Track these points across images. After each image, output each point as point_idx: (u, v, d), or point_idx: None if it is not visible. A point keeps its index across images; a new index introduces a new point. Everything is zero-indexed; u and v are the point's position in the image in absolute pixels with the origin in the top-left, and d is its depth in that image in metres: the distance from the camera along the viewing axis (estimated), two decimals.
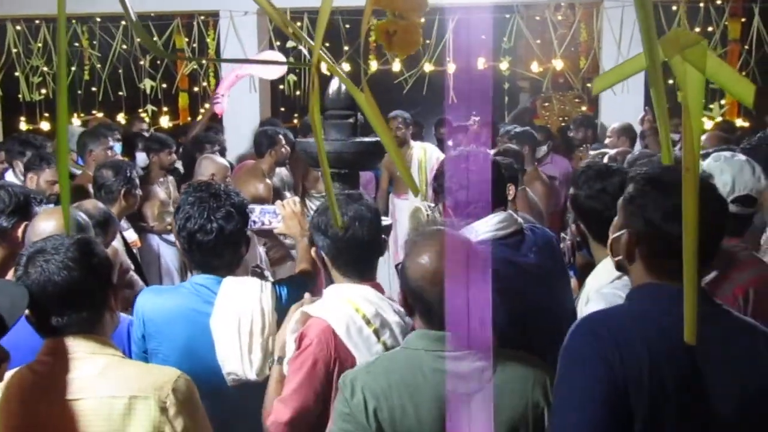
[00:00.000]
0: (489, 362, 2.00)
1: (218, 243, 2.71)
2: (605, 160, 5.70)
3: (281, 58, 7.55)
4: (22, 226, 2.99)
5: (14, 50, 9.02)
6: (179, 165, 6.94)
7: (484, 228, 2.68)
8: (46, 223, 2.82)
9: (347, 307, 2.48)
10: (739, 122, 8.26)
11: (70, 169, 5.95)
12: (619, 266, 1.98)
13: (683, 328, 1.72)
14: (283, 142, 6.30)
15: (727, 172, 3.30)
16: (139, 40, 8.90)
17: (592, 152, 6.54)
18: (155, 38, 8.76)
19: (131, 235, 4.91)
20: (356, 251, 2.56)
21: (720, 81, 0.82)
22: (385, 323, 2.46)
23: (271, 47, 8.25)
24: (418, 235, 2.12)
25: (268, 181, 6.14)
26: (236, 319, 2.66)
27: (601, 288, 2.57)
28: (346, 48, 8.25)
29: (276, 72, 7.59)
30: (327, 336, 2.43)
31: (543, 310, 2.64)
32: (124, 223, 4.85)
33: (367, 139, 3.39)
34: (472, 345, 2.00)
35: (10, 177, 5.64)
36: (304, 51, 7.98)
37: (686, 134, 0.79)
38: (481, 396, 1.97)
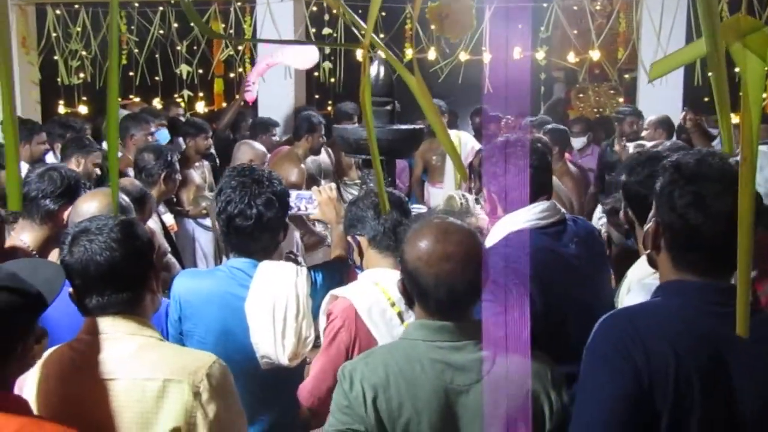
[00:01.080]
0: (489, 353, 1.97)
1: (256, 228, 2.73)
2: None
3: (315, 49, 7.55)
4: (69, 209, 3.03)
5: (53, 34, 9.12)
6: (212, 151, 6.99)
7: (526, 216, 2.65)
8: (88, 205, 2.85)
9: (374, 289, 2.57)
10: None
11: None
12: (650, 260, 1.96)
13: (709, 323, 1.71)
14: (322, 131, 6.31)
15: (767, 168, 3.26)
16: (176, 25, 8.97)
17: (629, 144, 6.46)
18: (192, 24, 8.82)
19: (169, 219, 4.96)
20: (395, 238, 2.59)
21: None
22: None
23: (307, 34, 8.25)
24: (417, 223, 2.10)
25: (302, 166, 6.16)
26: (271, 304, 2.68)
27: (644, 278, 2.56)
28: (381, 36, 8.22)
29: (308, 62, 7.60)
30: (350, 315, 2.53)
31: (582, 302, 2.61)
32: (161, 207, 4.90)
33: (404, 127, 3.39)
34: (475, 335, 1.98)
35: (50, 159, 5.72)
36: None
37: (744, 124, 0.78)
38: (481, 388, 1.94)
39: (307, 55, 7.37)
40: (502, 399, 1.95)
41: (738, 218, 0.79)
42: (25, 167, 4.85)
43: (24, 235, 3.13)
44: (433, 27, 0.88)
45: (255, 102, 8.19)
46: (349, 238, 2.78)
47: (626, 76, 11.00)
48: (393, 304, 2.50)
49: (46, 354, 2.17)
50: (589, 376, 1.78)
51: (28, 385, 2.15)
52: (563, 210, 2.79)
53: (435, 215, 2.12)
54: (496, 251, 2.55)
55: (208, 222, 5.91)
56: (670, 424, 1.68)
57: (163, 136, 6.16)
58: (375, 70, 3.30)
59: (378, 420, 1.92)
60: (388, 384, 1.93)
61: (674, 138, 7.03)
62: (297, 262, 3.14)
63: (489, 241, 2.69)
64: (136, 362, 2.06)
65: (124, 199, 3.03)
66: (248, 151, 5.57)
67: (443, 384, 1.93)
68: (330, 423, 2.00)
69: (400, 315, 2.50)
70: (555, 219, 2.70)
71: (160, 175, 4.46)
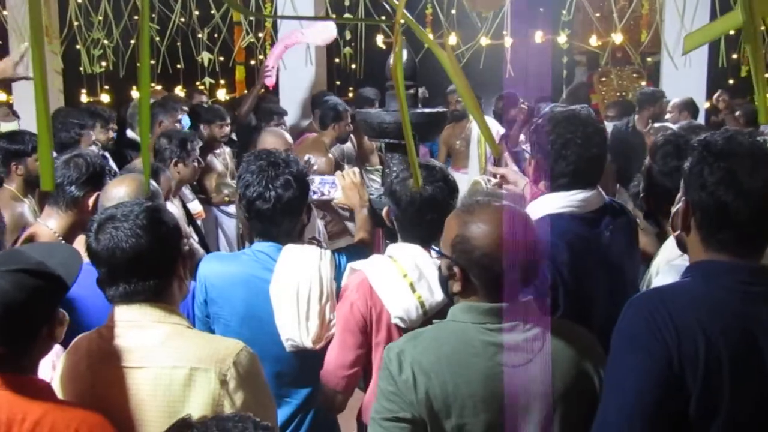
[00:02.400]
0: (540, 331, 1.96)
1: (276, 211, 2.74)
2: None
3: (333, 26, 7.51)
4: (94, 196, 3.05)
5: (75, 23, 9.15)
6: (234, 137, 7.01)
7: (564, 203, 2.59)
8: (117, 189, 2.87)
9: (386, 261, 2.58)
10: None
11: (132, 136, 6.08)
12: (679, 242, 1.94)
13: (740, 304, 1.69)
14: (349, 119, 6.31)
15: None
16: (197, 12, 8.97)
17: (656, 125, 6.41)
18: (213, 11, 8.83)
19: (196, 206, 4.98)
20: (423, 224, 2.59)
21: None
22: (422, 276, 2.50)
23: (328, 17, 8.23)
24: (470, 205, 2.05)
25: (330, 155, 6.16)
26: (295, 286, 2.69)
27: (673, 260, 2.54)
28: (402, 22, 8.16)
29: (325, 39, 7.55)
30: (364, 286, 2.55)
31: (612, 290, 2.58)
32: (189, 194, 4.93)
33: (427, 110, 3.38)
34: (524, 316, 1.96)
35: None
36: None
37: None
38: (534, 367, 1.93)
39: (325, 32, 7.32)
40: (556, 377, 1.94)
41: None
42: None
43: (50, 222, 3.16)
44: (465, 2, 0.88)
45: (276, 88, 8.19)
46: (384, 213, 2.79)
47: (649, 59, 10.91)
48: (405, 275, 2.51)
49: (75, 340, 2.19)
50: (619, 357, 1.76)
51: (57, 371, 2.17)
52: (605, 197, 2.72)
53: (482, 199, 2.07)
54: None
55: (231, 209, 5.94)
56: (700, 405, 1.66)
57: (185, 122, 6.19)
58: (398, 47, 3.29)
59: (429, 407, 1.89)
60: (441, 367, 1.91)
61: (701, 120, 6.99)
62: (321, 246, 3.15)
63: None
64: (163, 350, 2.06)
65: (153, 184, 3.05)
66: (273, 139, 5.58)
67: (496, 365, 1.91)
68: (376, 410, 1.96)
69: (411, 286, 2.50)
70: (595, 207, 2.64)
71: (172, 160, 4.49)
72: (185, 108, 6.36)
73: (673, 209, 1.91)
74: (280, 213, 2.76)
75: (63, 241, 3.06)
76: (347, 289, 2.62)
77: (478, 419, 1.91)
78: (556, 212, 2.56)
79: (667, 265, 2.53)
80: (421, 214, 2.59)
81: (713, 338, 1.67)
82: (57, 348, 2.19)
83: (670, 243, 2.61)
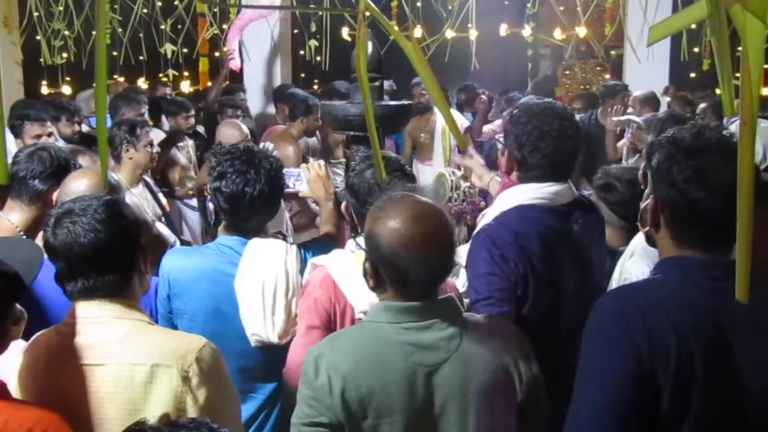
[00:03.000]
0: (457, 330, 1.95)
1: (258, 206, 2.73)
2: (634, 127, 5.66)
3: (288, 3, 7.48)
4: (58, 190, 3.00)
5: (36, 14, 9.00)
6: (201, 129, 6.95)
7: (536, 194, 2.57)
8: (77, 183, 2.82)
9: (349, 256, 2.56)
10: (766, 92, 8.14)
11: (87, 131, 5.98)
12: (648, 239, 1.93)
13: (710, 299, 1.70)
14: (318, 114, 6.28)
15: (758, 141, 3.26)
16: (160, 3, 8.87)
17: (622, 118, 6.46)
18: (176, 2, 8.73)
19: (162, 199, 4.94)
20: None
21: None
22: None
23: (293, 5, 8.18)
24: (384, 200, 2.03)
25: (298, 146, 6.13)
26: (260, 281, 2.67)
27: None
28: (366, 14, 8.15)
29: (269, 12, 7.48)
30: (327, 282, 2.52)
31: (581, 284, 2.58)
32: (154, 187, 4.89)
33: (393, 103, 3.37)
34: (441, 314, 1.96)
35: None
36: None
37: (745, 87, 0.77)
38: (450, 365, 1.92)
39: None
40: (472, 375, 1.93)
41: (738, 182, 0.78)
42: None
43: (12, 216, 3.10)
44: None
45: (241, 79, 8.14)
46: (343, 208, 2.78)
47: (612, 52, 10.99)
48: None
49: (34, 337, 2.14)
50: (590, 355, 1.75)
51: (12, 370, 2.12)
52: (575, 191, 2.72)
53: (396, 194, 2.04)
54: (503, 224, 2.52)
55: (194, 202, 5.89)
56: (672, 401, 1.66)
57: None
58: (361, 36, 3.28)
59: (346, 409, 1.88)
60: (356, 370, 1.89)
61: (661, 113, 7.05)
62: (286, 240, 3.13)
63: (494, 210, 2.66)
64: (124, 347, 2.02)
65: (113, 177, 3.00)
66: (230, 130, 5.55)
67: (412, 365, 1.90)
68: (296, 414, 1.95)
69: None
70: (566, 201, 2.63)
71: (122, 146, 4.44)
72: (145, 100, 6.29)
73: (642, 205, 1.90)
74: (257, 207, 2.74)
75: (24, 236, 3.00)
76: (309, 284, 2.59)
77: (395, 419, 1.90)
78: (527, 203, 2.55)
79: (643, 249, 2.53)
80: None
81: (684, 334, 1.66)
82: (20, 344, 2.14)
83: None
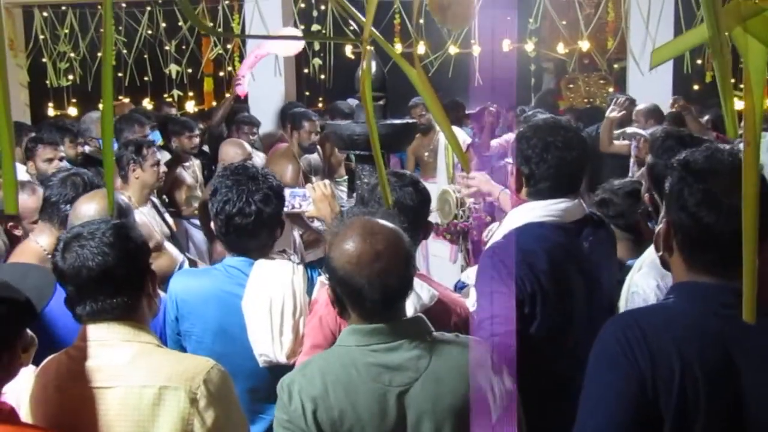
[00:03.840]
0: (426, 349, 1.96)
1: (256, 226, 2.73)
2: (641, 141, 5.66)
3: (299, 33, 7.54)
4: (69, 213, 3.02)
5: (41, 36, 9.08)
6: (206, 149, 6.98)
7: (545, 212, 2.57)
8: (87, 206, 2.83)
9: None
10: None
11: (92, 151, 6.00)
12: (663, 263, 1.90)
13: (719, 326, 1.67)
14: (307, 127, 6.30)
15: (765, 153, 3.27)
16: (164, 25, 8.94)
17: (628, 130, 6.47)
18: (180, 23, 8.80)
19: (168, 219, 4.95)
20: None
21: None
22: None
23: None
24: (339, 224, 2.06)
25: (299, 164, 6.16)
26: (268, 301, 2.67)
27: (657, 259, 2.56)
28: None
29: (294, 47, 7.58)
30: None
31: (590, 302, 2.58)
32: (161, 207, 4.91)
33: (397, 122, 3.38)
34: (408, 334, 1.97)
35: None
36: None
37: (747, 109, 0.78)
38: (421, 385, 1.92)
39: (293, 42, 7.35)
40: (445, 393, 1.94)
41: (743, 202, 0.79)
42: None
43: (41, 239, 3.12)
44: (435, 18, 0.87)
45: (246, 99, 8.18)
46: None
47: (615, 65, 11.02)
48: None
49: (44, 362, 2.15)
50: (593, 378, 1.74)
51: (22, 394, 2.12)
52: (586, 208, 2.71)
53: (353, 216, 2.09)
54: (512, 242, 2.51)
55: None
56: (674, 427, 1.64)
57: (155, 137, 6.15)
58: (366, 64, 3.30)
59: (320, 431, 1.89)
60: (327, 394, 1.91)
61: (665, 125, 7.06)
62: (291, 259, 3.14)
63: (504, 228, 2.66)
64: (132, 369, 2.03)
65: (123, 199, 3.02)
66: (233, 149, 5.58)
67: (382, 387, 1.91)
68: (276, 428, 1.97)
69: None
70: (576, 218, 2.63)
71: (129, 166, 4.46)
72: (154, 124, 6.32)
73: (656, 229, 1.89)
74: (259, 227, 2.75)
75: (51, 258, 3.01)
76: (317, 303, 2.60)
77: None
78: (536, 221, 2.55)
79: (652, 262, 2.53)
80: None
81: (689, 361, 1.64)
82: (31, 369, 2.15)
83: None
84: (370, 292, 1.93)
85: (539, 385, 2.02)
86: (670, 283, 2.40)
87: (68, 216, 3.09)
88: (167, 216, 4.96)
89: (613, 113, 6.59)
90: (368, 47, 0.83)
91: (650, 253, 2.63)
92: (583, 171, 2.67)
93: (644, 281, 2.54)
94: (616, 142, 6.52)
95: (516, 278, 2.42)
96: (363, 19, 0.85)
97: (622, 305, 2.66)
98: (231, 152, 5.51)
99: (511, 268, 2.42)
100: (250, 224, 2.72)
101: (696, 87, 9.63)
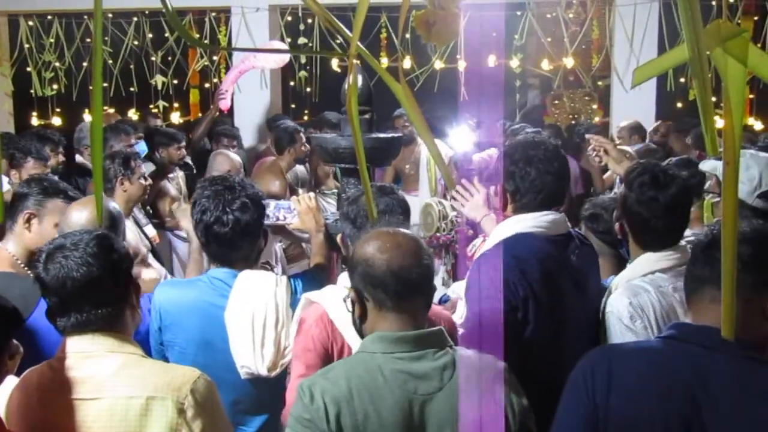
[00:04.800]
0: (450, 360, 1.98)
1: (235, 234, 2.74)
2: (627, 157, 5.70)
3: (285, 47, 7.56)
4: (59, 221, 2.98)
5: (27, 45, 9.05)
6: (188, 160, 6.95)
7: (533, 223, 2.61)
8: (79, 214, 2.81)
9: (344, 293, 2.51)
10: (750, 121, 8.23)
11: (85, 163, 5.98)
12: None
13: (696, 371, 1.68)
14: (303, 139, 6.31)
15: (754, 167, 3.31)
16: (151, 35, 8.93)
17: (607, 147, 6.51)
18: (167, 34, 8.79)
19: (150, 231, 4.92)
20: None
21: (763, 73, 0.82)
22: None
23: (283, 43, 8.27)
24: (369, 233, 2.10)
25: (286, 178, 6.16)
26: (250, 313, 2.67)
27: (632, 279, 2.59)
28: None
29: (279, 62, 7.59)
30: (324, 320, 2.50)
31: (580, 309, 2.62)
32: (143, 218, 4.88)
33: (382, 135, 3.40)
34: (434, 344, 1.99)
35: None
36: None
37: (727, 128, 0.79)
38: (444, 395, 1.94)
39: (278, 55, 7.36)
40: (466, 405, 1.95)
41: (722, 218, 0.80)
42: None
43: (9, 245, 3.07)
44: (420, 34, 0.88)
45: (231, 111, 8.18)
46: (339, 239, 2.79)
47: (600, 82, 11.11)
48: None
49: (24, 374, 2.12)
50: (561, 401, 1.82)
51: (2, 406, 2.10)
52: (569, 225, 2.76)
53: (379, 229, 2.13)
54: (504, 249, 2.54)
55: (184, 233, 5.88)
56: None
57: (141, 148, 6.13)
58: (352, 79, 3.31)
59: None
60: (351, 397, 1.91)
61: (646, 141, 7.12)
62: (274, 271, 3.13)
63: (493, 239, 2.68)
64: (119, 380, 2.01)
65: (115, 207, 3.00)
66: (224, 161, 5.59)
67: (407, 394, 1.92)
68: (291, 426, 1.95)
69: None
70: (562, 231, 2.67)
71: (117, 178, 4.44)
72: (141, 134, 6.30)
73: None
74: (239, 236, 2.75)
75: (22, 265, 2.97)
76: (305, 322, 2.56)
77: None
78: (526, 231, 2.59)
79: (626, 283, 2.58)
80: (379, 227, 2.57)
81: (651, 407, 1.67)
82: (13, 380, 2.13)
83: (636, 263, 2.67)
84: (393, 280, 1.96)
85: (528, 392, 2.05)
86: (642, 302, 2.49)
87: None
88: (149, 228, 4.93)
89: (596, 159, 6.59)
90: (354, 62, 0.84)
91: (626, 274, 2.67)
92: (565, 185, 2.73)
93: (618, 301, 2.58)
94: (605, 176, 6.54)
95: (509, 284, 2.44)
96: (350, 34, 0.86)
97: (602, 323, 2.69)
98: (220, 162, 5.52)
99: (504, 273, 2.44)
100: (229, 233, 2.73)
101: (679, 105, 9.72)
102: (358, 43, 0.87)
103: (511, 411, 1.98)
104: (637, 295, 2.53)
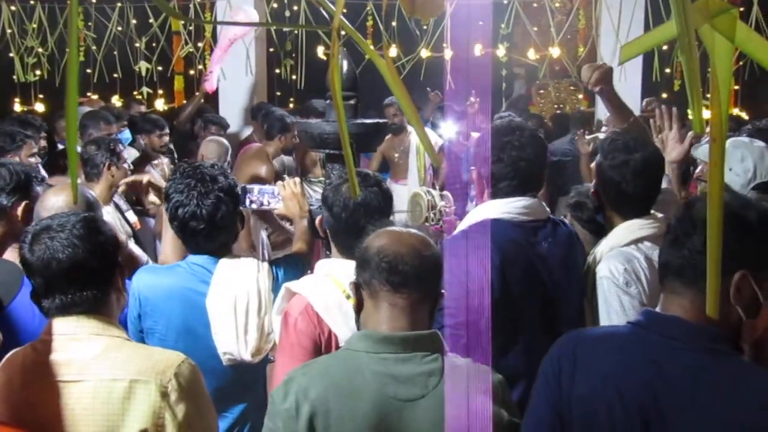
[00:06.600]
0: (438, 367, 1.89)
1: (211, 229, 2.71)
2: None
3: (255, 14, 7.50)
4: (22, 205, 2.94)
5: (9, 31, 8.96)
6: (172, 147, 6.92)
7: (505, 208, 2.61)
8: (56, 198, 2.78)
9: (327, 283, 2.49)
10: (736, 111, 8.28)
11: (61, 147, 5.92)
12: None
13: (654, 370, 1.66)
14: (295, 132, 6.28)
15: (749, 158, 3.31)
16: (135, 21, 8.86)
17: (600, 137, 6.53)
18: (151, 20, 8.73)
19: (131, 217, 4.89)
20: (358, 232, 2.54)
21: (749, 50, 0.81)
22: None
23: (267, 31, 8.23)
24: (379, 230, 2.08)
25: (272, 165, 6.13)
26: (232, 299, 2.65)
27: (616, 247, 2.62)
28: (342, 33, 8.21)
29: (250, 29, 7.53)
30: (309, 312, 2.43)
31: (546, 303, 2.61)
32: (123, 204, 4.85)
33: (368, 121, 3.38)
34: (424, 348, 1.91)
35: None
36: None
37: (714, 105, 0.78)
38: (426, 403, 1.86)
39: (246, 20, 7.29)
40: (449, 413, 1.86)
41: (708, 198, 0.79)
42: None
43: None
44: (403, 8, 0.87)
45: (216, 98, 8.13)
46: (317, 223, 2.76)
47: None
48: (348, 297, 2.44)
49: (8, 355, 2.11)
50: (534, 385, 1.80)
51: None
52: (548, 211, 2.75)
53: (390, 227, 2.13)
54: (464, 234, 2.55)
55: None
56: None
57: (125, 136, 6.08)
58: (334, 51, 3.29)
59: None
60: (326, 396, 1.84)
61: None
62: (256, 257, 3.11)
63: (462, 225, 2.69)
64: (102, 363, 2.00)
65: (91, 193, 2.97)
66: (215, 147, 5.58)
67: (386, 397, 1.84)
68: (264, 426, 1.93)
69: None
70: (536, 218, 2.66)
71: (105, 165, 4.41)
72: (125, 123, 6.26)
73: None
74: (215, 230, 2.73)
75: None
76: (290, 316, 2.47)
77: None
78: (493, 217, 2.58)
79: (614, 250, 2.60)
80: (354, 219, 2.53)
81: (616, 398, 1.65)
82: None
83: (616, 232, 2.70)
84: (384, 266, 1.92)
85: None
86: (635, 269, 2.54)
87: (2, 207, 2.98)
88: (130, 214, 4.90)
89: (584, 148, 6.61)
90: (337, 36, 0.83)
91: (610, 242, 2.70)
92: (541, 170, 2.73)
93: (612, 266, 2.59)
94: (593, 165, 6.56)
95: (467, 271, 2.42)
96: (333, 8, 0.84)
97: (590, 292, 2.69)
98: (212, 149, 5.51)
99: (464, 261, 2.42)
100: (205, 229, 2.70)
101: (665, 95, 9.75)
102: (342, 18, 0.86)
103: (498, 425, 1.89)
104: (630, 261, 2.58)
